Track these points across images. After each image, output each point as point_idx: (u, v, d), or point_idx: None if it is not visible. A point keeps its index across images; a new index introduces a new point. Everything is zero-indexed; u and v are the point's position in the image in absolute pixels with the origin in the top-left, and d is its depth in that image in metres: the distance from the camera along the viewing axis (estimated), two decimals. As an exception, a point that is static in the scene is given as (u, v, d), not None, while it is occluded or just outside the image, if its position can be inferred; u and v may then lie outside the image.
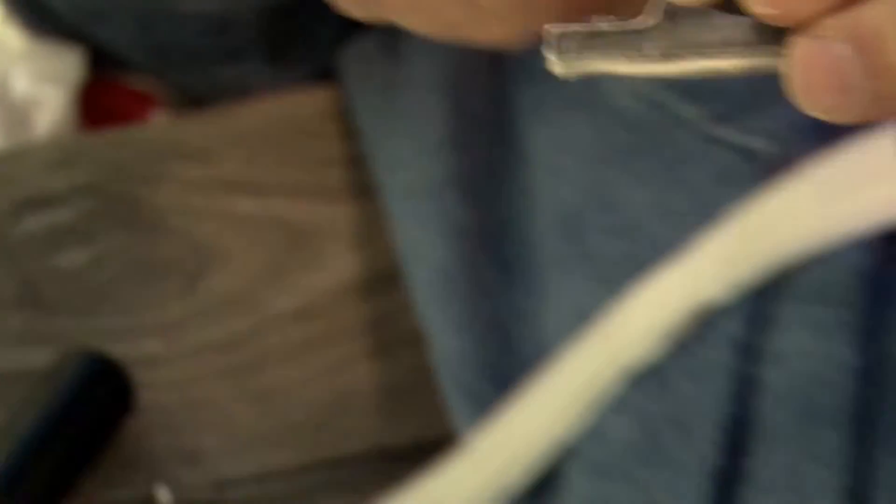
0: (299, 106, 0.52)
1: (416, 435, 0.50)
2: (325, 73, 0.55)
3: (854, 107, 0.21)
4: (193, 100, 0.56)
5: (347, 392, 0.51)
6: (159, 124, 0.55)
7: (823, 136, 0.40)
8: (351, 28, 0.50)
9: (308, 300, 0.50)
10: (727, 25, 0.22)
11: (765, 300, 0.41)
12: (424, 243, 0.49)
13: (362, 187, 0.51)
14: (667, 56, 0.22)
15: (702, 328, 0.41)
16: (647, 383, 0.43)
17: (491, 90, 0.48)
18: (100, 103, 0.58)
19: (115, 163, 0.49)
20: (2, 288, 0.48)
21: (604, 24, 0.22)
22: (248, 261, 0.49)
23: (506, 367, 0.47)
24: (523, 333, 0.48)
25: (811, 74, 0.20)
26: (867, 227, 0.40)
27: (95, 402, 0.49)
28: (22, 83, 0.56)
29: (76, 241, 0.49)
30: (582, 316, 0.43)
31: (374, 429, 0.51)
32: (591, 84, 0.42)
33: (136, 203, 0.49)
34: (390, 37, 0.50)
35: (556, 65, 0.22)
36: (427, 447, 0.46)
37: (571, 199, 0.44)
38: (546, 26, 0.22)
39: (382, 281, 0.51)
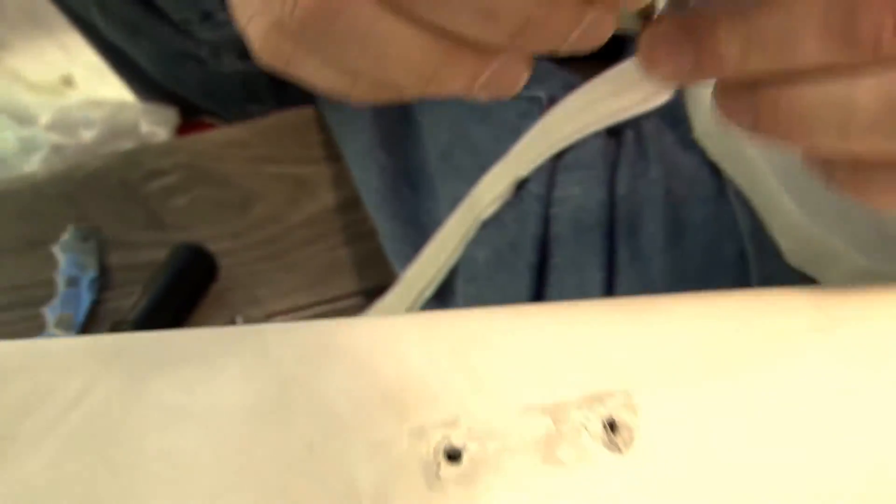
0: (297, 116, 0.71)
1: (378, 282, 0.64)
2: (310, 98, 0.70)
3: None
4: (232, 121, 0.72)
5: (337, 262, 0.66)
6: (218, 131, 0.72)
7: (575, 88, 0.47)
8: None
9: (310, 216, 0.67)
10: None
11: (552, 171, 0.51)
12: (369, 180, 0.63)
13: (334, 157, 0.68)
14: None
15: (519, 191, 0.52)
16: (493, 225, 0.52)
17: None
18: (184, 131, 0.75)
19: (197, 151, 0.68)
20: (139, 219, 0.65)
21: None
22: (274, 198, 0.67)
23: (418, 237, 0.56)
24: (426, 219, 0.59)
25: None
26: (607, 124, 0.48)
27: (195, 274, 0.63)
28: (144, 127, 0.74)
29: (179, 192, 0.66)
30: (456, 202, 0.53)
31: (354, 280, 0.65)
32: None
33: (210, 171, 0.67)
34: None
35: None
36: (384, 288, 0.56)
37: (446, 139, 0.58)
38: None
39: (351, 204, 0.68)
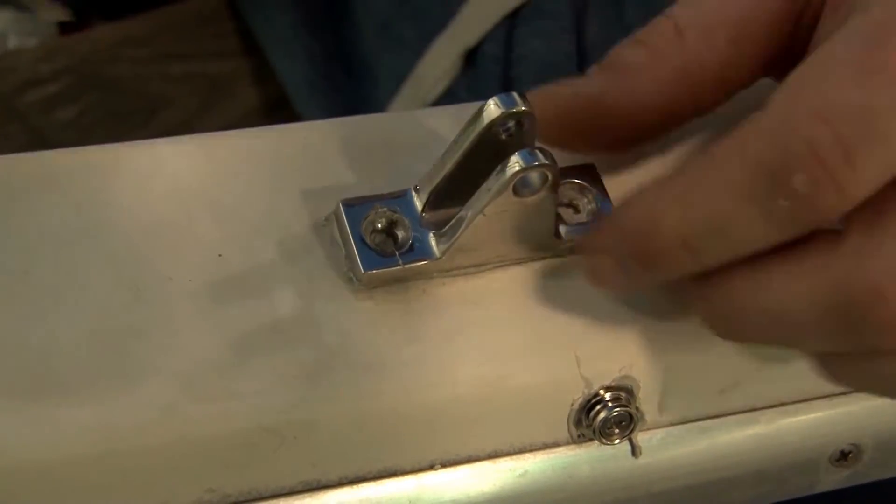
0: (202, 4, 0.67)
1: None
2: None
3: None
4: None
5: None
6: (108, 26, 0.67)
7: None
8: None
9: (229, 121, 0.63)
10: None
11: (510, 27, 0.49)
12: (295, 70, 0.60)
13: (252, 49, 0.65)
14: None
15: (472, 58, 0.50)
16: (446, 103, 0.50)
17: None
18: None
19: (83, 52, 0.63)
20: (17, 138, 0.60)
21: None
22: (184, 103, 0.63)
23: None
24: (366, 108, 0.56)
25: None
26: None
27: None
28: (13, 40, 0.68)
29: (64, 102, 0.61)
30: (399, 81, 0.53)
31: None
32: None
33: (101, 76, 0.63)
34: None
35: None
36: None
37: (384, 7, 0.54)
38: None
39: (276, 103, 0.64)
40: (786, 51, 0.23)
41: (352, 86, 0.59)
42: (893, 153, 0.19)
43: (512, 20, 0.49)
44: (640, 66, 0.23)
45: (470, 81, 0.52)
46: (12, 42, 0.68)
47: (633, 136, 0.24)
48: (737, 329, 0.22)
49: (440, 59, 0.50)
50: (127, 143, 0.26)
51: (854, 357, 0.21)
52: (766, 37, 0.23)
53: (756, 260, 0.21)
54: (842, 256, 0.20)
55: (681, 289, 0.23)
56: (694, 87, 0.23)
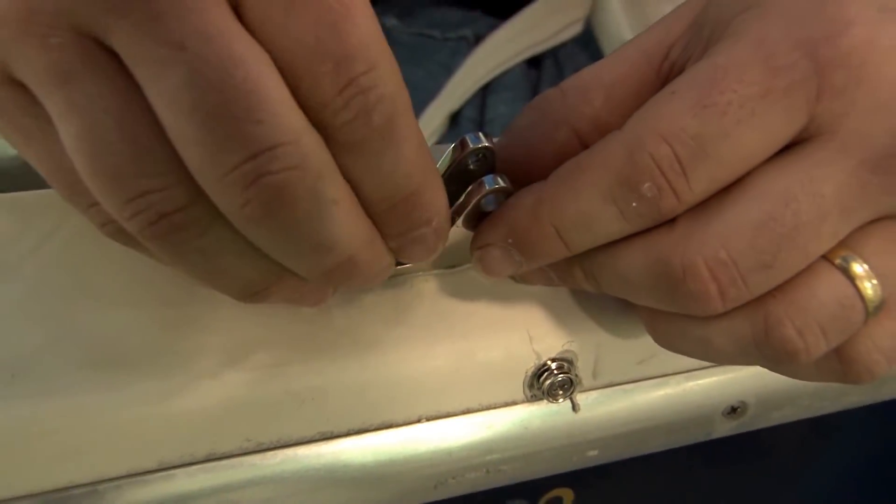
0: None
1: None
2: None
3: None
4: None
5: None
6: None
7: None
8: None
9: None
10: None
11: (482, 97, 0.49)
12: None
13: None
14: None
15: (455, 119, 0.48)
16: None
17: None
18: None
19: None
20: None
21: None
22: None
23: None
24: None
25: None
26: (527, 56, 0.48)
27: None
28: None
29: None
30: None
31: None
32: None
33: None
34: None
35: None
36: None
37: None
38: None
39: None
40: None
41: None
42: (717, 169, 0.18)
43: (484, 91, 0.49)
44: (529, 124, 0.22)
45: (453, 137, 0.50)
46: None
47: (546, 175, 0.23)
48: (601, 285, 0.22)
49: (432, 121, 0.49)
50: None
51: (673, 318, 0.21)
52: (635, 94, 0.22)
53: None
54: (669, 239, 0.19)
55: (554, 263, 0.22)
56: (577, 132, 0.22)
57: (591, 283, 0.22)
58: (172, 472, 0.22)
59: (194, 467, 0.22)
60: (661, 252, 0.19)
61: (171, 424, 0.21)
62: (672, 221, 0.19)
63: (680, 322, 0.21)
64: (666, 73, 0.21)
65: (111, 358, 0.21)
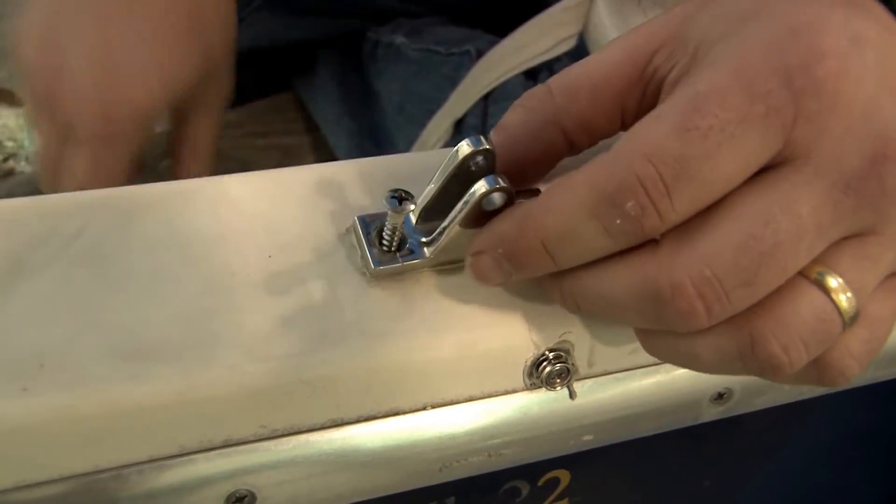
0: (279, 99, 0.64)
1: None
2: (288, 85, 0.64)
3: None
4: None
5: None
6: None
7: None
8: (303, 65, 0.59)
9: None
10: None
11: (484, 107, 0.48)
12: (340, 142, 0.58)
13: (312, 128, 0.62)
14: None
15: (459, 128, 0.48)
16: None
17: (358, 72, 0.55)
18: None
19: None
20: None
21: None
22: (265, 165, 0.59)
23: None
24: None
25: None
26: (525, 68, 0.47)
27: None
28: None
29: None
30: (410, 144, 0.50)
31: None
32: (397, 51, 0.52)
33: None
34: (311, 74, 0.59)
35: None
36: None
37: (398, 96, 0.52)
38: None
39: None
40: (639, 113, 0.21)
41: (378, 152, 0.55)
42: (699, 190, 0.17)
43: (486, 100, 0.48)
44: (519, 122, 0.21)
45: (457, 142, 0.48)
46: (158, 128, 0.64)
47: (536, 172, 0.22)
48: (581, 307, 0.20)
49: (437, 129, 0.48)
50: (205, 178, 0.24)
51: (661, 334, 0.20)
52: (619, 95, 0.21)
53: (597, 259, 0.19)
54: (655, 260, 0.18)
55: (542, 278, 0.21)
56: (564, 131, 0.21)
57: (569, 304, 0.21)
58: (192, 456, 0.20)
59: (212, 452, 0.20)
60: (648, 272, 0.18)
61: (190, 412, 0.19)
62: (655, 242, 0.18)
63: (667, 338, 0.20)
64: (649, 77, 0.21)
65: (134, 349, 0.19)
